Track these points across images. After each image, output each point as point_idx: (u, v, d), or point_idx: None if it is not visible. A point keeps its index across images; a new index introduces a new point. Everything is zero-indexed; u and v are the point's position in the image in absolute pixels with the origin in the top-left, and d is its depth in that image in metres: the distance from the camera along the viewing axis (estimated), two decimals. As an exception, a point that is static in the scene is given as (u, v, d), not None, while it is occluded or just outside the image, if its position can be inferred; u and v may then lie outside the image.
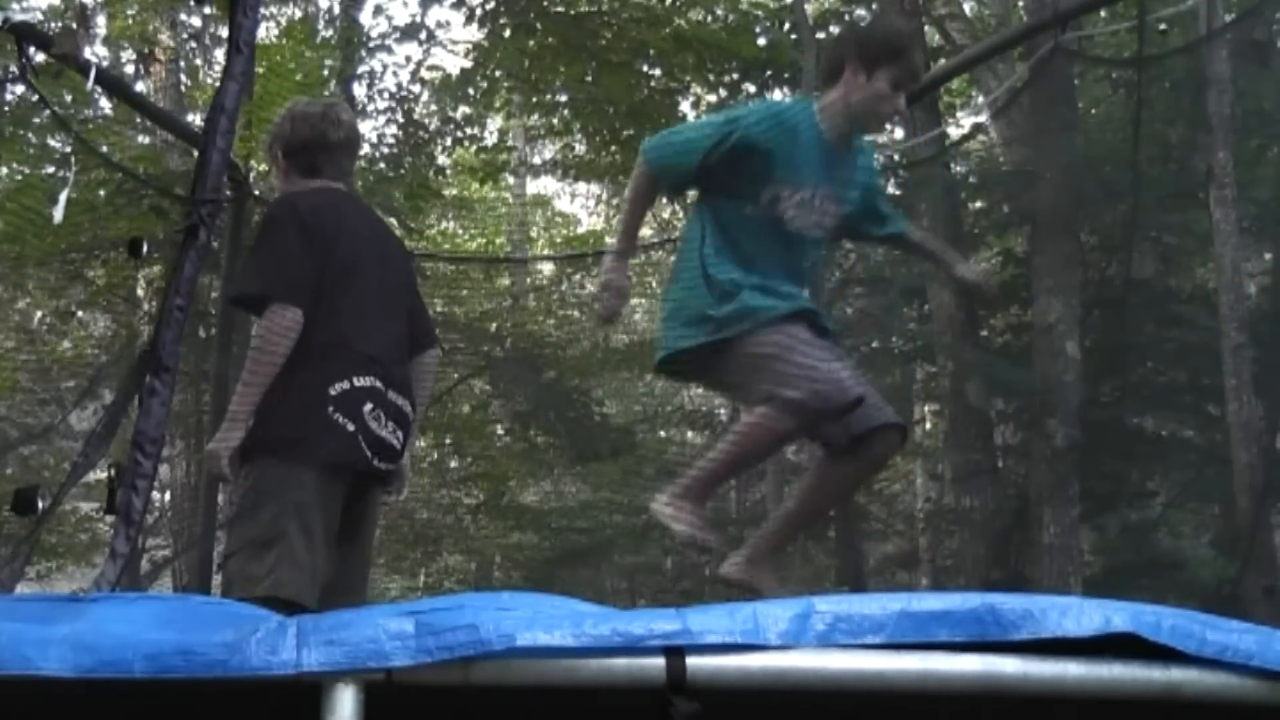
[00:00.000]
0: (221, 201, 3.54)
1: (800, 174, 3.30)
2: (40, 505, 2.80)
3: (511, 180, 15.56)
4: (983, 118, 10.50)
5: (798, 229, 3.33)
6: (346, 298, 3.18)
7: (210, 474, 3.35)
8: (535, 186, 17.78)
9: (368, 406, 3.13)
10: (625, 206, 3.70)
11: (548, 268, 14.83)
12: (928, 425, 13.58)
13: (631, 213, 3.64)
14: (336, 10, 12.03)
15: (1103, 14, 7.04)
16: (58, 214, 4.51)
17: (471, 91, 11.52)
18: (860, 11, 11.05)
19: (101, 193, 8.79)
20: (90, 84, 4.44)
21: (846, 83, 3.29)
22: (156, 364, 2.76)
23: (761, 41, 10.61)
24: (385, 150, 11.51)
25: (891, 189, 11.55)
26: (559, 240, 17.10)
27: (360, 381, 3.13)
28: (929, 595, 1.91)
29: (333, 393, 3.08)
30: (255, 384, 3.09)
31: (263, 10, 11.07)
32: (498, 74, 11.14)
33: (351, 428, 3.09)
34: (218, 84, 3.26)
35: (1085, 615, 1.82)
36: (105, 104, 9.03)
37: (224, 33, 11.70)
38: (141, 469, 2.65)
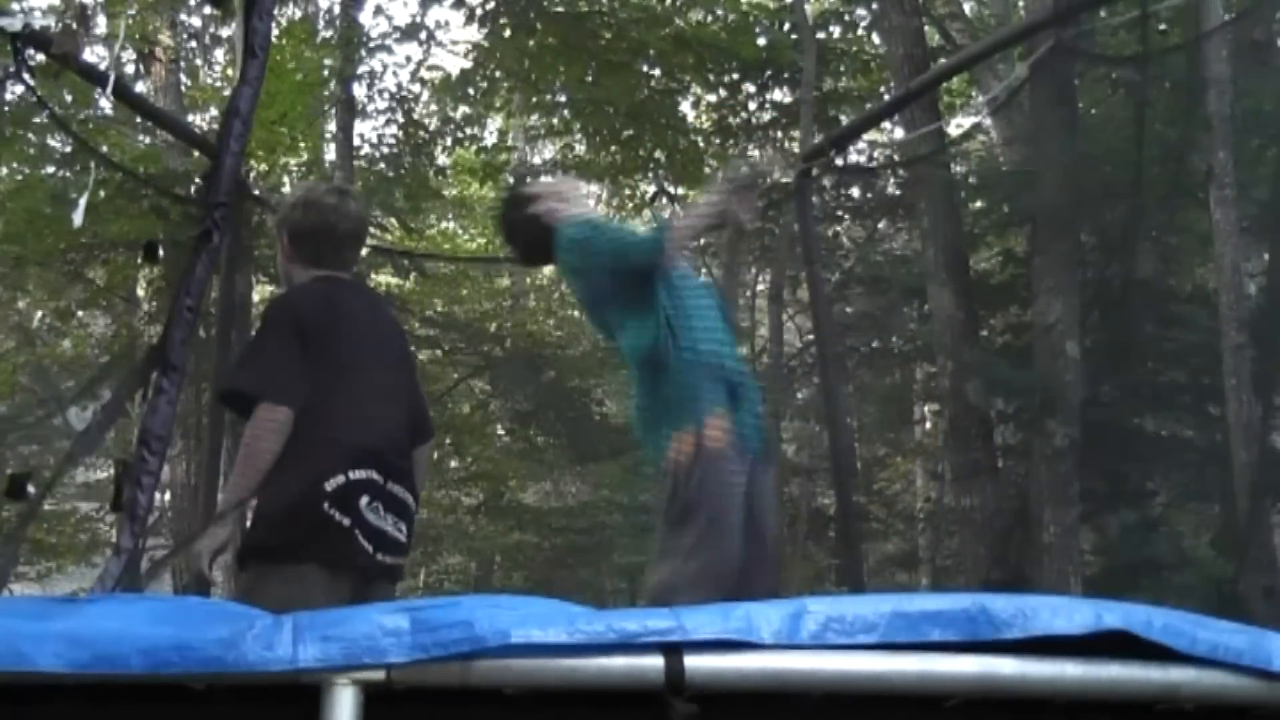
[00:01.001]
0: (234, 205, 3.53)
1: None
2: (30, 492, 2.79)
3: (511, 180, 15.55)
4: (982, 115, 10.51)
5: None
6: (343, 392, 3.14)
7: (195, 573, 3.30)
8: (535, 187, 17.76)
9: (364, 500, 3.07)
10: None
11: (548, 268, 14.80)
12: (928, 425, 13.60)
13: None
14: (336, 10, 12.04)
15: (1102, 13, 7.04)
16: (78, 218, 4.50)
17: (471, 91, 11.53)
18: (860, 11, 11.06)
19: (102, 193, 8.79)
20: (107, 91, 4.42)
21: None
22: (165, 363, 2.76)
23: (761, 41, 10.61)
24: (385, 150, 11.52)
25: (892, 189, 11.60)
26: (559, 240, 17.07)
27: (356, 475, 3.07)
28: (922, 595, 1.91)
29: (327, 488, 3.02)
30: (243, 484, 3.08)
31: (263, 10, 11.09)
32: (498, 74, 11.15)
33: (347, 522, 3.03)
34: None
35: (1077, 613, 1.82)
36: (105, 104, 9.04)
37: (224, 33, 11.73)
38: (148, 466, 2.65)
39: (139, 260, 9.55)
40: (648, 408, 3.43)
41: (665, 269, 3.38)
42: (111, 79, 4.29)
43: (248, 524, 3.16)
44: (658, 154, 11.29)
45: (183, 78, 11.91)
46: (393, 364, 3.40)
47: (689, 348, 3.36)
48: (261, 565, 3.05)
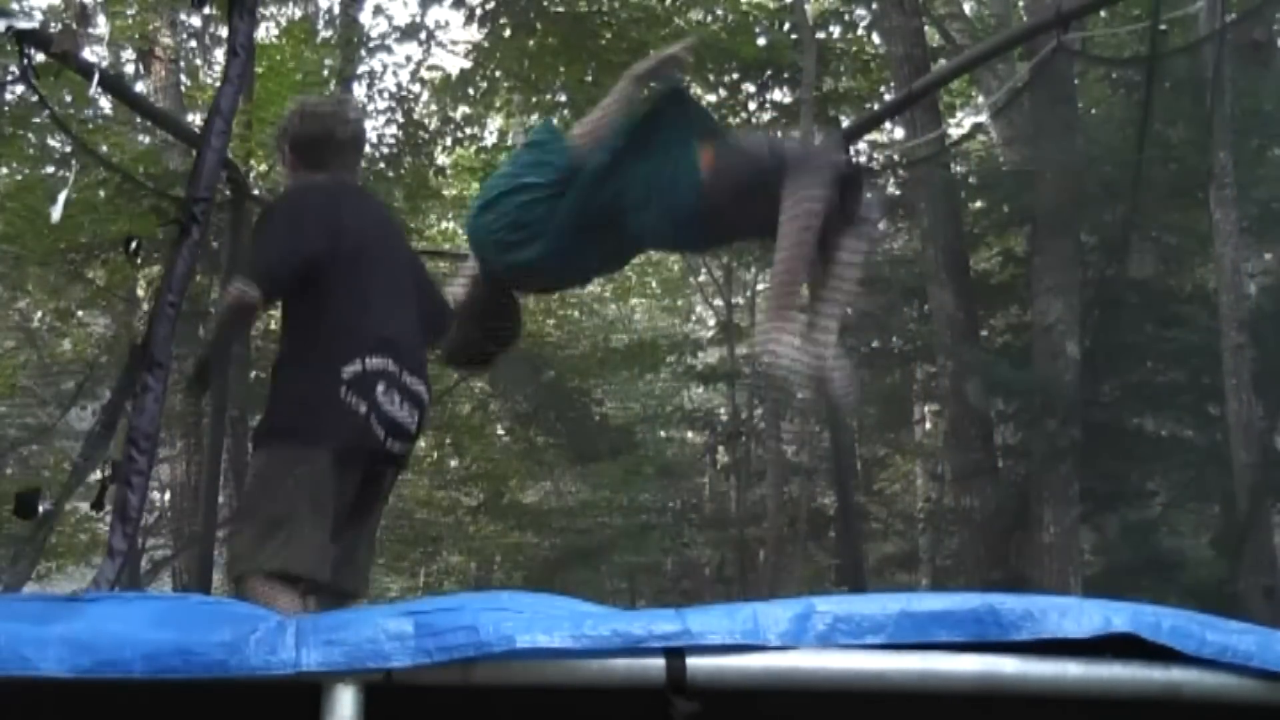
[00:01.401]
0: (213, 200, 3.55)
1: None
2: (42, 508, 2.79)
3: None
4: (983, 118, 10.50)
5: None
6: (357, 283, 3.21)
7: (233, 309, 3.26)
8: (535, 186, 17.74)
9: (380, 387, 3.14)
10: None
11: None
12: (928, 425, 13.59)
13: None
14: (336, 10, 12.04)
15: (1103, 14, 7.04)
16: (56, 213, 4.52)
17: (471, 91, 11.51)
18: (860, 11, 11.05)
19: (101, 193, 8.78)
20: (93, 87, 4.43)
21: None
22: (149, 360, 2.75)
23: (761, 41, 10.60)
24: (385, 150, 11.50)
25: (892, 189, 11.59)
26: (559, 240, 17.05)
27: (373, 363, 3.15)
28: (929, 595, 1.91)
29: (345, 375, 3.10)
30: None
31: (263, 10, 11.08)
32: (498, 74, 11.14)
33: (364, 409, 3.11)
34: (219, 84, 3.28)
35: (1085, 616, 1.82)
36: (105, 104, 9.03)
37: (224, 32, 11.71)
38: (136, 465, 2.63)
39: (140, 261, 9.54)
40: (650, 190, 3.19)
41: (581, 162, 3.19)
42: (98, 72, 4.29)
43: (267, 406, 3.26)
44: (658, 154, 11.25)
45: (183, 78, 11.90)
46: (401, 259, 3.47)
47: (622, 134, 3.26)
48: (276, 446, 3.14)
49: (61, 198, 4.40)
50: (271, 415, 3.22)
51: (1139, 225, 8.04)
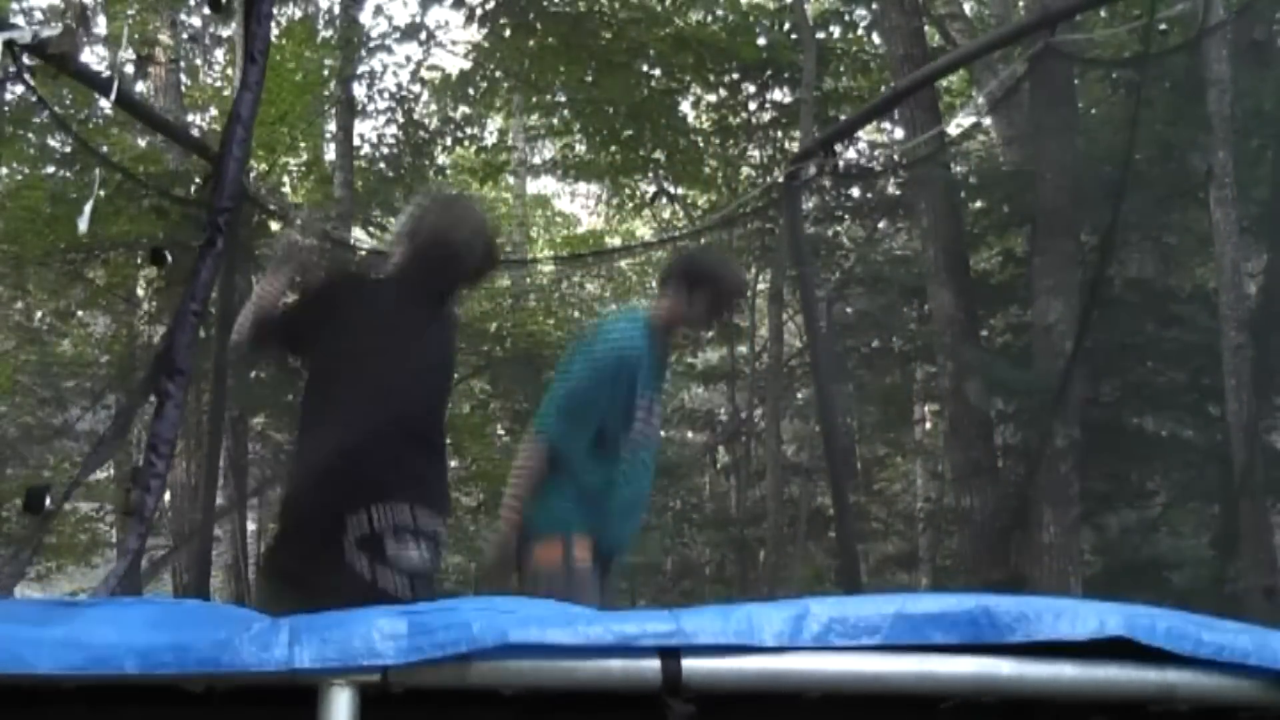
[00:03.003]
0: (238, 210, 3.54)
1: (648, 384, 3.71)
2: (48, 503, 2.80)
3: (511, 180, 15.57)
4: (979, 114, 10.50)
5: (641, 435, 3.67)
6: (369, 416, 3.03)
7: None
8: (535, 186, 17.78)
9: (391, 544, 2.98)
10: (519, 482, 3.64)
11: (548, 268, 14.84)
12: (928, 425, 13.59)
13: (527, 488, 3.61)
14: (336, 10, 12.04)
15: (1102, 14, 7.02)
16: (83, 224, 4.52)
17: (471, 91, 11.52)
18: (860, 11, 11.05)
19: (102, 193, 8.79)
20: (110, 98, 4.42)
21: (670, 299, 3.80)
22: (170, 367, 2.76)
23: (761, 41, 10.61)
24: (385, 150, 11.51)
25: (891, 189, 11.60)
26: (559, 240, 17.09)
27: (379, 517, 2.98)
28: (924, 597, 1.91)
29: (354, 535, 2.95)
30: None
31: (263, 10, 11.08)
32: (498, 74, 11.16)
33: (369, 576, 2.94)
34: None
35: (1080, 618, 1.81)
36: (104, 104, 9.04)
37: (224, 33, 11.72)
38: (156, 470, 2.65)
39: (140, 262, 9.54)
40: None
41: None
42: (115, 86, 4.29)
43: (272, 536, 3.25)
44: (658, 154, 11.29)
45: (183, 78, 11.91)
46: (416, 375, 3.26)
47: None
48: (282, 586, 3.06)
49: (88, 208, 4.40)
50: (279, 554, 3.11)
51: (1143, 229, 8.03)
